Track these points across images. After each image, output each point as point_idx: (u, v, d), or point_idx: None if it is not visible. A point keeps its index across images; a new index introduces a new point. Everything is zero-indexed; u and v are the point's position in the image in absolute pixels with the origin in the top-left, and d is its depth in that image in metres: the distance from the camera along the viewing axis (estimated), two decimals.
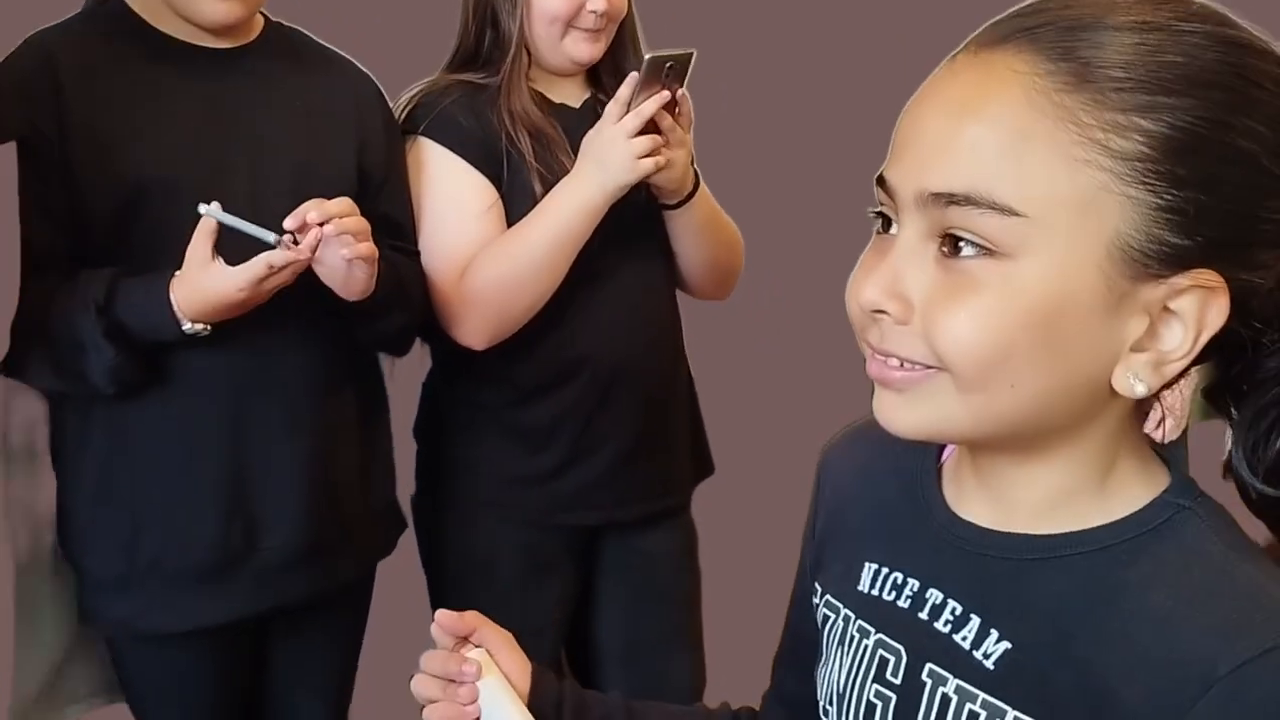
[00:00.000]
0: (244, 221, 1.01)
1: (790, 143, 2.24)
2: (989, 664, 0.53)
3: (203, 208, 1.01)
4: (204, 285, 1.02)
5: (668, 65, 1.16)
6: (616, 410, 1.29)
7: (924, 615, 0.57)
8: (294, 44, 1.22)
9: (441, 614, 0.69)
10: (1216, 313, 0.49)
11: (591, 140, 1.20)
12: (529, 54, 1.26)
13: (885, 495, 0.62)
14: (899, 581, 0.59)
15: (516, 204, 1.24)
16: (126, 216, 1.08)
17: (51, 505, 1.16)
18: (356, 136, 1.20)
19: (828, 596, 0.64)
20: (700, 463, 1.43)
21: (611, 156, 1.18)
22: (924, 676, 0.56)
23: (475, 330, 1.23)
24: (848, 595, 0.62)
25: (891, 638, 0.58)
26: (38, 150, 1.05)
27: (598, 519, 1.33)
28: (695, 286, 1.38)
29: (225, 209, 1.01)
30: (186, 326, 1.04)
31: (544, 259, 1.21)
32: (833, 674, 0.62)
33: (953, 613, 0.55)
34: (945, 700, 0.55)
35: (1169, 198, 0.47)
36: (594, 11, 1.22)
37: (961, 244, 0.49)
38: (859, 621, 0.60)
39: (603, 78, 1.31)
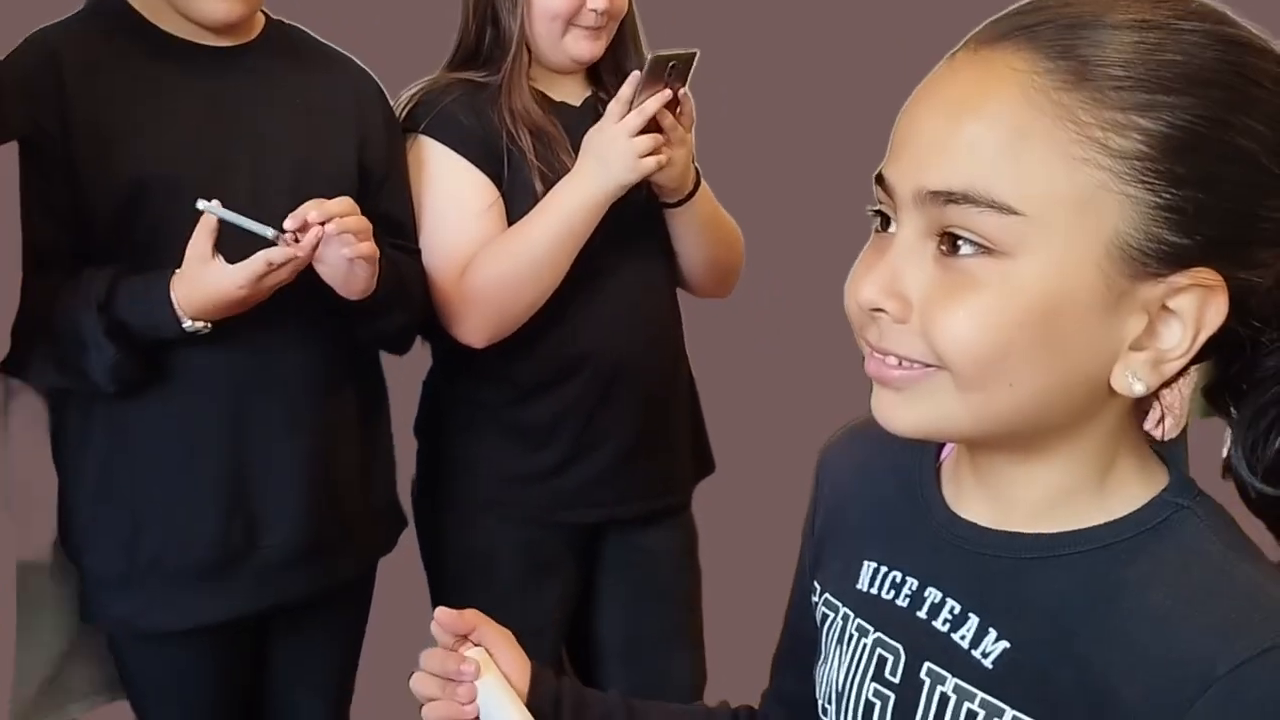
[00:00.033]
0: (243, 217, 1.01)
1: (790, 141, 2.24)
2: (987, 663, 0.53)
3: (202, 203, 1.01)
4: (204, 283, 1.02)
5: (670, 65, 1.16)
6: (617, 408, 1.29)
7: (922, 614, 0.57)
8: (295, 42, 1.22)
9: (441, 612, 0.70)
10: (1215, 311, 0.49)
11: (593, 138, 1.20)
12: (529, 52, 1.26)
13: (884, 494, 0.62)
14: (898, 580, 0.59)
15: (517, 202, 1.24)
16: (128, 214, 1.08)
17: (53, 503, 1.16)
18: (357, 134, 1.20)
19: (827, 595, 0.64)
20: (701, 461, 1.43)
21: (613, 155, 1.18)
22: (922, 675, 0.56)
23: (476, 328, 1.24)
24: (846, 594, 0.62)
25: (890, 636, 0.58)
26: (40, 148, 1.05)
27: (598, 517, 1.33)
28: (696, 285, 1.38)
29: (226, 207, 1.02)
30: (187, 324, 1.04)
31: (545, 257, 1.21)
32: (832, 673, 0.62)
33: (951, 611, 0.55)
34: (944, 699, 0.55)
35: (1168, 196, 0.47)
36: (595, 9, 1.22)
37: (960, 242, 0.49)
38: (858, 620, 0.60)
39: (603, 76, 1.31)
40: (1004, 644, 0.53)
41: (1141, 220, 0.47)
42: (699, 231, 1.32)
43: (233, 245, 1.02)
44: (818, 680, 0.64)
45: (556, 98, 1.29)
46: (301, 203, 1.04)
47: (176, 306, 1.04)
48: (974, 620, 0.54)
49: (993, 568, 0.55)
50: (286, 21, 1.23)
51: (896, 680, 0.57)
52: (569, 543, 1.34)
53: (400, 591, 1.37)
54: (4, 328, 1.04)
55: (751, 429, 1.93)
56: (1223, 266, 0.48)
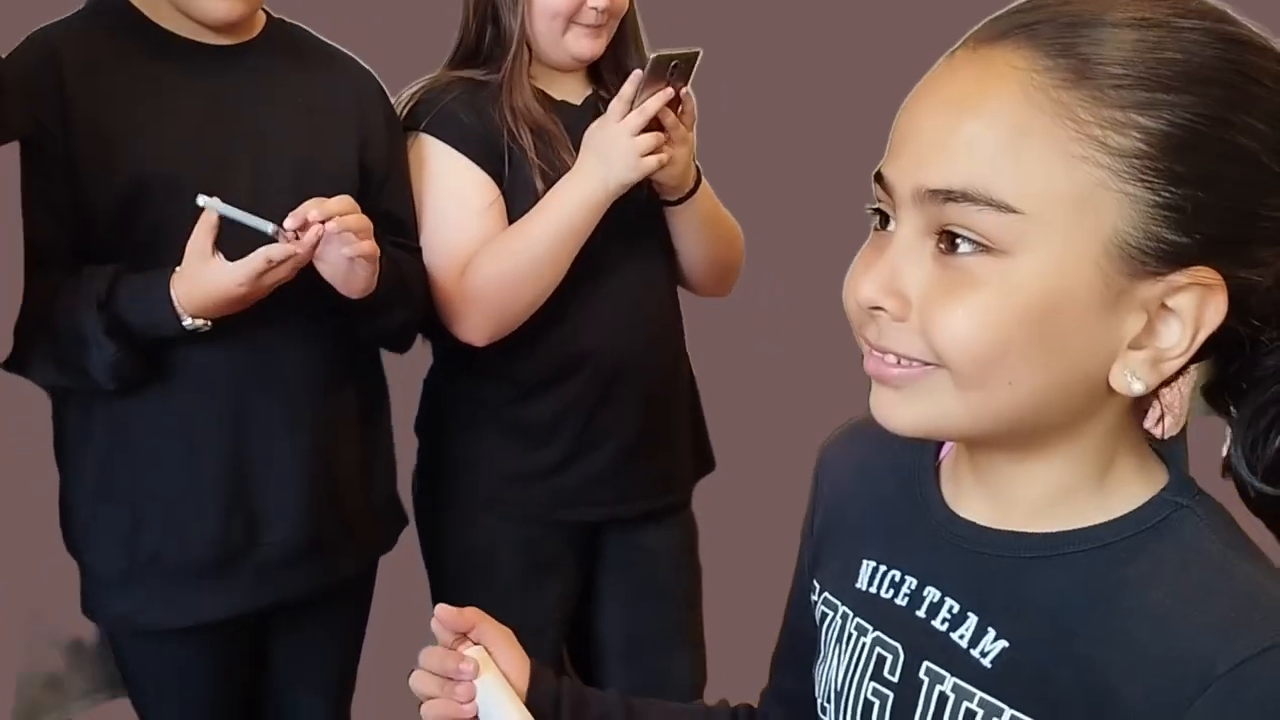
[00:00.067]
0: (242, 212, 1.01)
1: (791, 140, 2.24)
2: (986, 662, 0.53)
3: (202, 199, 1.01)
4: (204, 280, 1.03)
5: (673, 64, 1.16)
6: (618, 406, 1.29)
7: (921, 613, 0.57)
8: (295, 41, 1.22)
9: (441, 609, 0.70)
10: (1215, 310, 0.49)
11: (594, 136, 1.20)
12: (530, 50, 1.26)
13: (883, 492, 0.62)
14: (897, 579, 0.59)
15: (518, 201, 1.24)
16: (129, 213, 1.08)
17: (53, 501, 1.17)
18: (358, 133, 1.20)
19: (826, 594, 0.64)
20: (701, 459, 1.43)
21: (614, 153, 1.18)
22: (921, 675, 0.56)
23: (476, 327, 1.24)
24: (845, 593, 0.62)
25: (889, 635, 0.58)
26: (41, 146, 1.05)
27: (599, 515, 1.33)
28: (696, 283, 1.38)
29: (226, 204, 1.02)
30: (187, 322, 1.05)
31: (545, 255, 1.21)
32: (830, 672, 0.62)
33: (950, 611, 0.55)
34: (942, 698, 0.54)
35: (1167, 195, 0.47)
36: (595, 8, 1.22)
37: (959, 241, 0.49)
38: (857, 619, 0.60)
39: (604, 74, 1.31)
40: (1003, 643, 0.53)
41: (1141, 219, 0.47)
42: (699, 230, 1.32)
43: (233, 244, 1.02)
44: (817, 679, 0.64)
45: (557, 96, 1.29)
46: (303, 201, 1.04)
47: (176, 304, 1.04)
48: (973, 619, 0.54)
49: (992, 567, 0.55)
50: (287, 20, 1.23)
51: (895, 679, 0.57)
52: (569, 541, 1.34)
53: (401, 589, 1.37)
54: (5, 327, 1.04)
55: (751, 427, 1.93)
56: (1222, 265, 0.48)
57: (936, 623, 0.56)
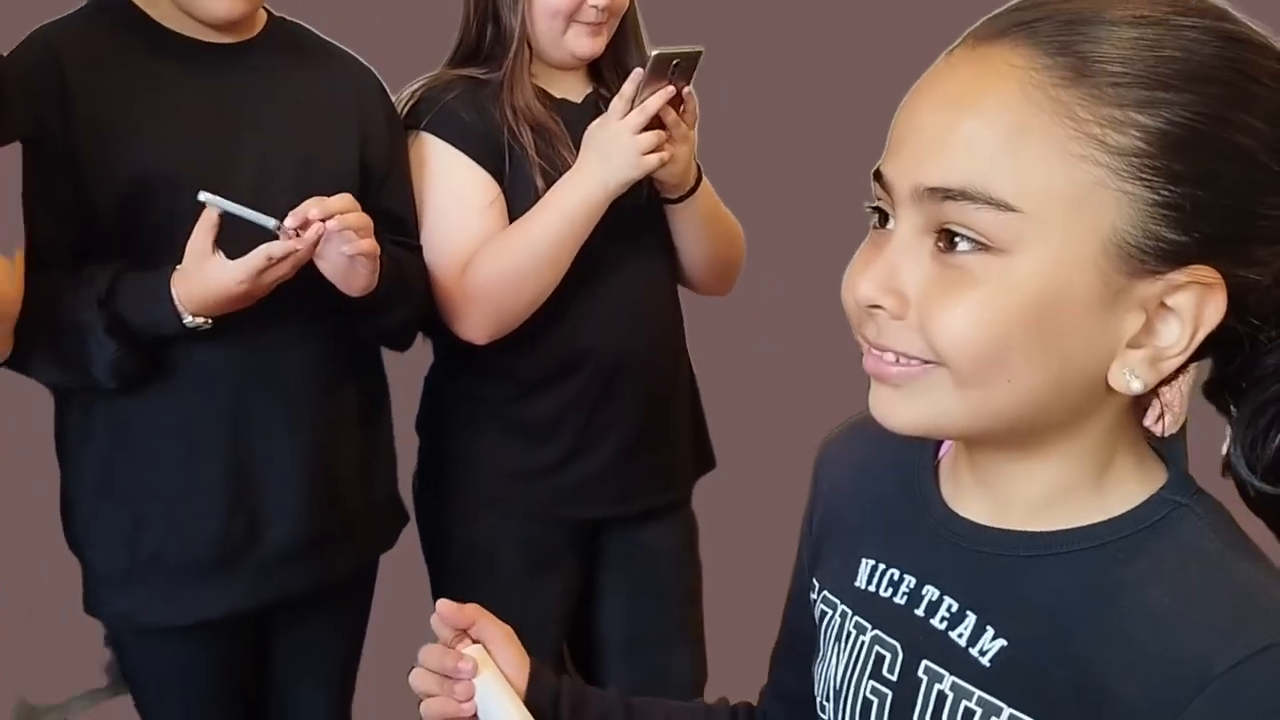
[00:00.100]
0: (244, 208, 1.01)
1: (791, 138, 2.24)
2: (985, 661, 0.53)
3: (204, 195, 1.01)
4: (204, 279, 1.03)
5: (674, 62, 1.16)
6: (619, 404, 1.29)
7: (920, 612, 0.57)
8: (296, 39, 1.22)
9: (442, 604, 0.70)
10: (1214, 309, 0.48)
11: (595, 135, 1.20)
12: (530, 49, 1.26)
13: (883, 491, 0.62)
14: (896, 578, 0.59)
15: (518, 199, 1.24)
16: (129, 211, 1.08)
17: (54, 499, 1.17)
18: (359, 131, 1.20)
19: (825, 592, 0.64)
20: (701, 457, 1.43)
21: (615, 151, 1.18)
22: (920, 673, 0.56)
23: (477, 325, 1.24)
24: (845, 591, 0.62)
25: (888, 634, 0.58)
26: (41, 144, 1.05)
27: (600, 513, 1.33)
28: (697, 281, 1.38)
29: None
30: (187, 320, 1.05)
31: (546, 253, 1.21)
32: (829, 670, 0.62)
33: (949, 609, 0.55)
34: (941, 697, 0.54)
35: (1166, 193, 0.47)
36: (595, 6, 1.22)
37: (957, 239, 0.49)
38: (855, 618, 0.60)
39: (604, 72, 1.31)
40: (1001, 642, 0.53)
41: (1139, 217, 0.47)
42: (700, 228, 1.32)
43: (233, 242, 1.02)
44: (816, 677, 0.64)
45: (558, 94, 1.29)
46: (304, 199, 1.04)
47: (177, 303, 1.04)
48: (971, 618, 0.54)
49: (990, 565, 0.55)
50: (288, 18, 1.23)
51: (894, 678, 0.57)
52: (570, 539, 1.34)
53: (402, 587, 1.38)
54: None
55: (752, 425, 1.93)
56: (1221, 264, 0.48)
57: (935, 621, 0.56)
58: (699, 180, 1.29)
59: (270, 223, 1.01)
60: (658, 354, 1.33)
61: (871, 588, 0.60)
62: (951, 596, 0.56)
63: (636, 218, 1.27)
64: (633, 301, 1.30)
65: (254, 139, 1.12)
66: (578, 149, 1.22)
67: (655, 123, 1.19)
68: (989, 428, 0.52)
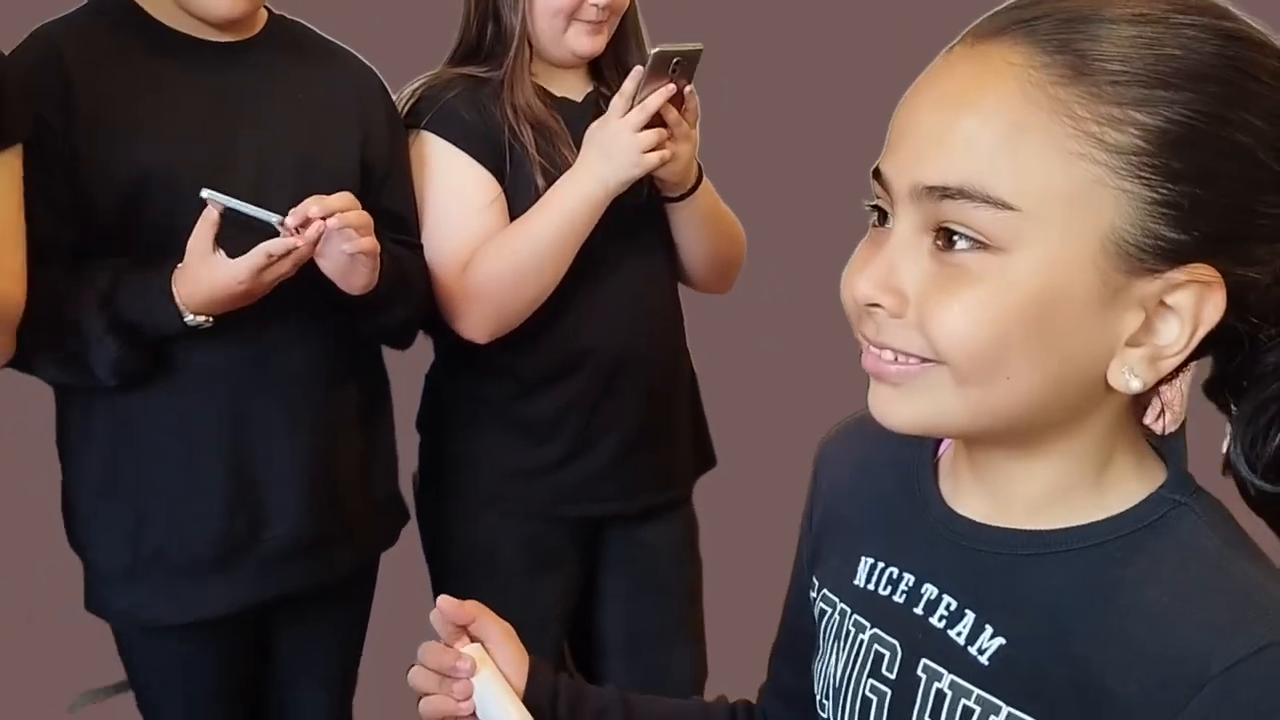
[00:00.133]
0: (247, 204, 1.01)
1: (792, 136, 2.24)
2: (983, 660, 0.53)
3: (206, 192, 1.01)
4: (205, 277, 1.03)
5: (675, 60, 1.16)
6: (619, 402, 1.29)
7: (919, 610, 0.57)
8: (297, 37, 1.22)
9: (443, 600, 0.69)
10: (1213, 308, 0.48)
11: (596, 133, 1.20)
12: (531, 47, 1.26)
13: (882, 489, 0.62)
14: (894, 576, 0.59)
15: (519, 198, 1.24)
16: (130, 209, 1.08)
17: (55, 497, 1.17)
18: (360, 130, 1.20)
19: (825, 591, 0.64)
20: (702, 455, 1.43)
21: (616, 149, 1.18)
22: (919, 672, 0.56)
23: (478, 324, 1.24)
24: (844, 589, 0.62)
25: (887, 633, 0.58)
26: (42, 142, 1.05)
27: (601, 511, 1.33)
28: (697, 279, 1.38)
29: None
30: (188, 319, 1.05)
31: (547, 252, 1.21)
32: (829, 669, 0.62)
33: (948, 608, 0.55)
34: (940, 696, 0.54)
35: (1164, 192, 0.47)
36: (596, 4, 1.22)
37: (956, 238, 0.49)
38: (855, 616, 0.60)
39: (605, 71, 1.31)
40: (1000, 640, 0.53)
41: (1138, 215, 0.47)
42: (700, 226, 1.32)
43: (234, 241, 1.02)
44: (816, 675, 0.64)
45: (558, 93, 1.29)
46: (304, 198, 1.04)
47: (178, 301, 1.04)
48: (970, 617, 0.54)
49: (989, 564, 0.55)
50: (289, 17, 1.23)
51: (893, 676, 0.57)
52: (571, 537, 1.34)
53: (402, 585, 1.38)
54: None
55: (752, 424, 1.93)
56: (1220, 262, 0.48)
57: (934, 620, 0.56)
58: (699, 179, 1.29)
59: (274, 218, 1.01)
60: (658, 352, 1.33)
61: (870, 586, 0.60)
62: (950, 595, 0.56)
63: (637, 216, 1.27)
64: (633, 300, 1.29)
65: (254, 137, 1.12)
66: (578, 147, 1.22)
67: (656, 121, 1.18)
68: (988, 426, 0.52)
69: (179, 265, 1.04)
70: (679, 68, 1.17)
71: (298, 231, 1.02)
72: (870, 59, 2.04)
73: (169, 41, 1.12)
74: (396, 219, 1.22)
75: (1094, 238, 0.47)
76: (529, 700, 0.68)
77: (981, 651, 0.53)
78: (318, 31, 1.25)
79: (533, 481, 1.30)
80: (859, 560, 0.61)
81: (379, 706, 1.34)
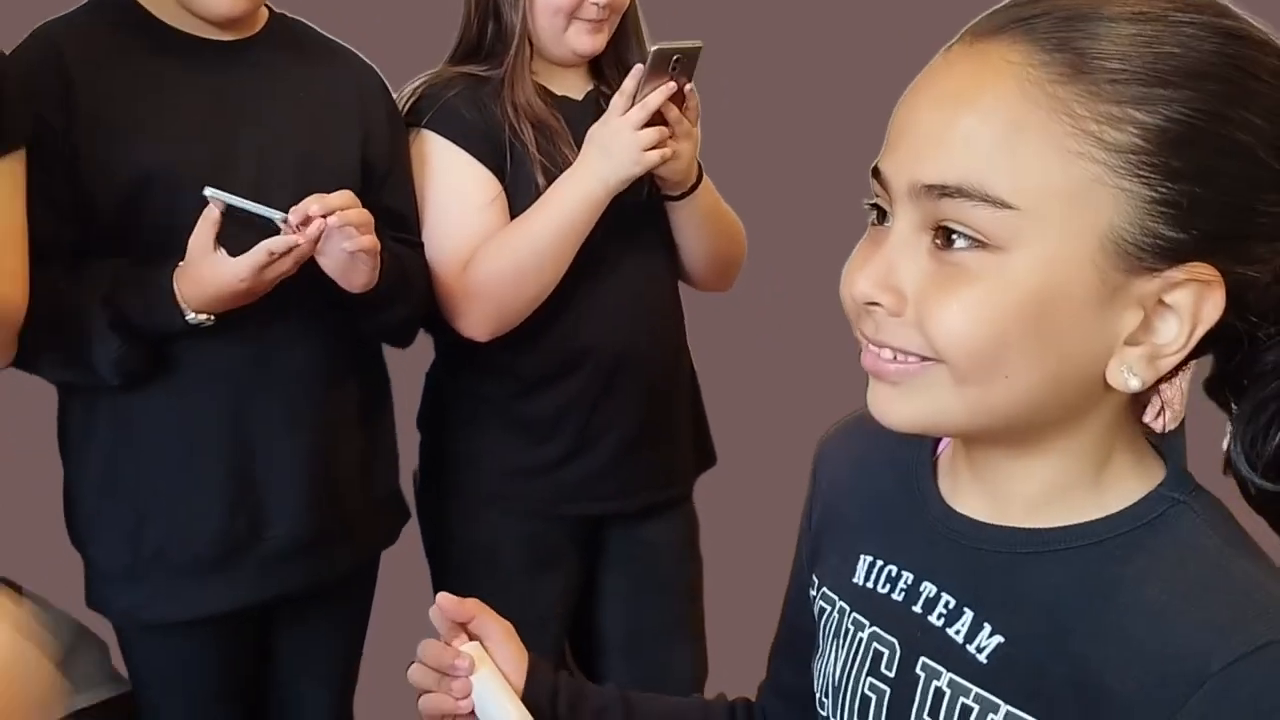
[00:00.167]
0: (250, 202, 1.01)
1: (792, 135, 2.24)
2: (982, 658, 0.53)
3: (209, 191, 1.01)
4: (206, 275, 1.03)
5: (675, 58, 1.16)
6: (620, 401, 1.29)
7: (918, 609, 0.57)
8: (298, 36, 1.22)
9: (443, 597, 0.69)
10: (1212, 307, 0.48)
11: (597, 131, 1.20)
12: (531, 46, 1.26)
13: (881, 487, 0.62)
14: (893, 574, 0.59)
15: (519, 196, 1.24)
16: (131, 208, 1.08)
17: (57, 495, 1.17)
18: (360, 128, 1.20)
19: (824, 589, 0.64)
20: (702, 453, 1.43)
21: (617, 147, 1.18)
22: (918, 670, 0.56)
23: (479, 322, 1.24)
24: (843, 588, 0.62)
25: (885, 631, 0.58)
26: (43, 141, 1.06)
27: (601, 509, 1.34)
28: (697, 278, 1.38)
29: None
30: (190, 317, 1.05)
31: (547, 250, 1.21)
32: (828, 667, 0.62)
33: (946, 606, 0.55)
34: (939, 694, 0.54)
35: (1163, 190, 0.47)
36: (596, 3, 1.22)
37: (954, 236, 0.49)
38: (854, 614, 0.60)
39: (605, 70, 1.31)
40: (998, 639, 0.53)
41: (1136, 214, 0.47)
42: (701, 224, 1.32)
43: (235, 239, 1.03)
44: (815, 673, 0.64)
45: (558, 91, 1.29)
46: (304, 197, 1.04)
47: (180, 299, 1.04)
48: (969, 615, 0.54)
49: (988, 562, 0.55)
50: (289, 15, 1.23)
51: (892, 675, 0.57)
52: (571, 535, 1.35)
53: (403, 584, 1.38)
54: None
55: (752, 422, 1.93)
56: (1220, 261, 0.48)
57: (933, 618, 0.56)
58: (700, 177, 1.29)
59: (277, 215, 1.01)
60: (658, 350, 1.33)
61: (869, 584, 0.60)
62: (949, 593, 0.56)
63: (637, 214, 1.27)
64: (633, 298, 1.30)
65: (254, 136, 1.12)
66: (579, 146, 1.22)
67: (657, 119, 1.19)
68: (986, 425, 0.52)
69: (180, 264, 1.04)
70: (679, 65, 1.17)
71: (299, 229, 1.02)
72: (870, 57, 2.03)
73: (170, 40, 1.12)
74: (397, 217, 1.22)
75: (1092, 236, 0.47)
76: (528, 699, 0.68)
77: (980, 650, 0.53)
78: (318, 30, 1.25)
79: (533, 480, 1.30)
80: (858, 558, 0.61)
81: (380, 705, 1.34)
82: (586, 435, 1.29)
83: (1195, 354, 0.51)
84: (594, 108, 1.26)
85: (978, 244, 0.48)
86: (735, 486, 1.59)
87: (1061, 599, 0.52)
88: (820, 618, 0.64)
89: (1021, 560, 0.54)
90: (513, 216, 1.24)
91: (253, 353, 1.13)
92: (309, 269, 1.06)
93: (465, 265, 1.23)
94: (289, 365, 1.15)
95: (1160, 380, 0.51)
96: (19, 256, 1.02)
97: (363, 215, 1.06)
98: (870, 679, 0.58)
